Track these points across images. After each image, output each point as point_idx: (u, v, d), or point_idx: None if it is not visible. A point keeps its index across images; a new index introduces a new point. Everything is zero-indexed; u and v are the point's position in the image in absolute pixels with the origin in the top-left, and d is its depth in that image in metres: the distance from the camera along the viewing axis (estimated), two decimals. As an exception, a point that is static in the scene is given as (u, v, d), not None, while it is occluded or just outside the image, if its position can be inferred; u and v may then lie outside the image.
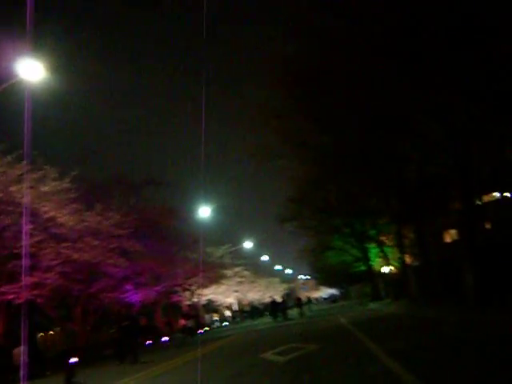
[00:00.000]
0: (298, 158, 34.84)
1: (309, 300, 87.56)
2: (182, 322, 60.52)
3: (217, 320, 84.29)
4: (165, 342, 54.49)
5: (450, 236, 47.20)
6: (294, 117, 32.63)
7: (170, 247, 56.73)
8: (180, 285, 61.92)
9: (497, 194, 39.08)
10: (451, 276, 32.53)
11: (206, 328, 69.59)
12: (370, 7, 23.17)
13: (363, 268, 66.53)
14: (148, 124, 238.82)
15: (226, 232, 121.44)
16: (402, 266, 43.69)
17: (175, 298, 66.21)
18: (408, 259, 47.09)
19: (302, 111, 31.35)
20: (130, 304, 52.15)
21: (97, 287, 43.10)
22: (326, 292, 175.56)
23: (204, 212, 63.76)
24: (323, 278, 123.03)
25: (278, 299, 64.86)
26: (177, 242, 58.70)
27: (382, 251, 51.73)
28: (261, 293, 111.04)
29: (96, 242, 36.79)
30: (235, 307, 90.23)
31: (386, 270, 61.01)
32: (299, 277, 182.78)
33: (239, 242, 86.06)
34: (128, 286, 49.23)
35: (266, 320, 67.79)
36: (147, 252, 50.91)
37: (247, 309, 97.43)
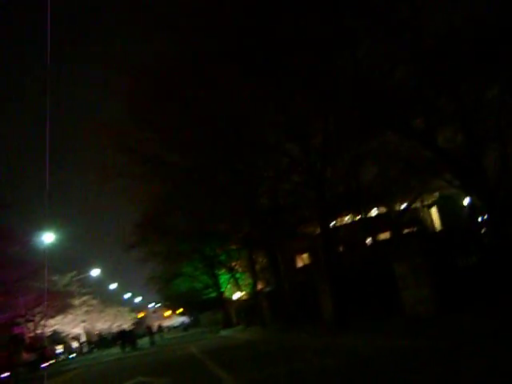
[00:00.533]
0: (141, 176, 32.83)
1: (160, 329, 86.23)
2: (25, 355, 56.92)
3: (61, 352, 79.70)
4: (4, 378, 50.41)
5: (302, 260, 46.96)
6: (135, 131, 30.93)
7: (7, 275, 52.93)
8: (23, 316, 57.87)
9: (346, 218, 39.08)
10: (306, 300, 31.93)
11: (52, 361, 65.40)
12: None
13: (213, 295, 65.52)
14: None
15: (71, 259, 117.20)
16: (254, 292, 42.69)
17: (18, 330, 61.96)
18: (260, 285, 46.36)
19: (143, 123, 29.92)
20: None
21: None
22: (176, 320, 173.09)
23: (47, 238, 60.51)
24: (173, 305, 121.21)
25: (128, 328, 62.37)
26: (16, 270, 54.91)
27: (233, 277, 50.64)
28: (110, 322, 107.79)
29: None
30: (83, 338, 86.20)
31: (236, 296, 60.13)
32: (150, 305, 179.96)
33: (86, 269, 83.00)
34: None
35: (115, 351, 65.03)
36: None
37: (95, 339, 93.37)
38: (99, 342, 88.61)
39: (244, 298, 56.47)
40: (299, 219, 41.95)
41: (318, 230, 41.61)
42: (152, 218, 47.22)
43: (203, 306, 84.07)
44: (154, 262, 59.78)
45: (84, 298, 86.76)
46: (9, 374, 50.66)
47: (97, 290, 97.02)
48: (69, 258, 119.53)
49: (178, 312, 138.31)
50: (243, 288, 53.30)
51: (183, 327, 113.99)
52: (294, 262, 45.56)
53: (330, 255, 24.70)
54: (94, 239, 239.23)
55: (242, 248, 48.12)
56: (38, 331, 69.15)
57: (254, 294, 42.98)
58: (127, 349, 56.56)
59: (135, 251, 54.05)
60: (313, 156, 25.14)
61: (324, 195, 24.90)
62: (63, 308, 75.02)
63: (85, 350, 79.97)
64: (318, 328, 25.95)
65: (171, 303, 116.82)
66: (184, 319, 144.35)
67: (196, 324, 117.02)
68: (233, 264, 50.95)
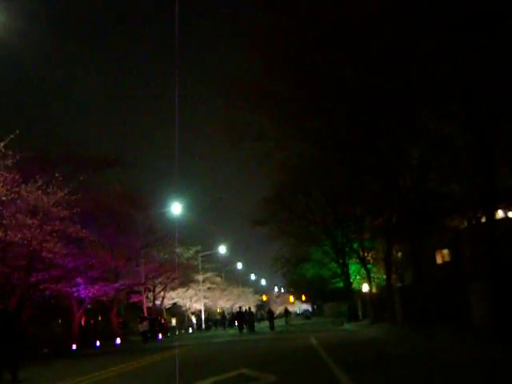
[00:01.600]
0: (276, 140, 28.81)
1: (287, 312, 79.76)
2: (139, 324, 55.25)
3: (174, 326, 77.87)
4: (117, 345, 48.44)
5: (442, 256, 42.25)
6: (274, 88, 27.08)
7: (131, 241, 50.97)
8: (142, 284, 55.84)
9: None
10: (447, 299, 27.53)
11: (167, 333, 63.44)
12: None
13: (340, 285, 61.36)
14: (112, 97, 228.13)
15: (197, 232, 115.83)
16: (388, 286, 38.04)
17: (135, 298, 60.16)
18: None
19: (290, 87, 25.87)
20: (81, 299, 46.38)
21: (38, 277, 37.35)
22: (299, 307, 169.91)
23: (175, 208, 58.57)
24: (297, 292, 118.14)
25: (247, 309, 59.16)
26: (139, 236, 52.90)
27: (365, 267, 46.03)
28: (232, 301, 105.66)
29: (30, 221, 30.80)
30: (203, 314, 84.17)
31: (365, 288, 55.67)
32: (274, 289, 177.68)
33: (211, 244, 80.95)
34: (79, 280, 43.43)
35: (232, 331, 62.14)
36: (103, 243, 45.23)
37: (217, 317, 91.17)
38: (219, 320, 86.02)
39: (372, 291, 52.22)
40: (445, 210, 37.33)
41: (465, 224, 36.74)
42: (284, 194, 43.85)
43: (328, 295, 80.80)
44: (281, 242, 56.47)
45: (208, 275, 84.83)
46: (120, 341, 48.80)
47: (221, 267, 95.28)
48: (194, 232, 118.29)
49: (301, 299, 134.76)
50: (374, 281, 48.75)
51: (305, 315, 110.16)
52: (433, 257, 40.96)
53: (493, 250, 19.66)
54: (221, 214, 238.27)
55: (376, 237, 43.95)
56: (158, 302, 67.33)
57: (387, 288, 38.30)
58: (244, 330, 54.04)
59: (262, 228, 50.87)
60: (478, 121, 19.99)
61: (495, 171, 19.87)
62: (185, 282, 73.13)
63: (203, 326, 77.41)
64: (460, 333, 21.42)
65: (295, 289, 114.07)
66: (307, 307, 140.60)
67: (319, 313, 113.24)
68: (365, 254, 46.19)
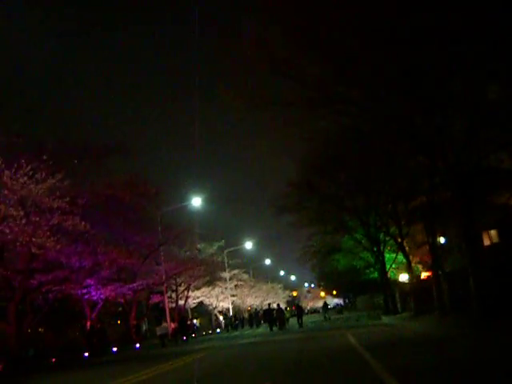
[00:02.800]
0: (300, 110, 24.40)
1: (326, 307, 74.25)
2: (172, 325, 51.32)
3: (196, 326, 73.08)
4: (137, 349, 44.35)
5: (490, 238, 37.87)
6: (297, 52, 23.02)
7: (147, 237, 46.72)
8: (163, 283, 51.49)
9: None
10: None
11: (192, 334, 59.20)
12: None
13: (375, 275, 57.04)
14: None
15: (219, 227, 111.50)
16: (434, 272, 33.36)
17: (156, 299, 55.66)
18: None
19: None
20: (93, 302, 42.23)
21: (40, 279, 33.27)
22: (330, 301, 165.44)
23: (195, 202, 54.66)
24: (328, 286, 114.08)
25: (275, 306, 55.15)
26: (156, 232, 48.61)
27: (405, 254, 41.20)
28: (261, 298, 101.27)
29: (15, 212, 26.49)
30: (231, 313, 79.89)
31: (403, 278, 50.96)
32: (304, 284, 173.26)
33: (236, 239, 76.91)
34: (90, 281, 39.27)
35: (262, 330, 57.93)
36: (114, 239, 41.04)
37: (242, 315, 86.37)
38: (247, 318, 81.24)
39: (412, 280, 47.84)
40: (492, 185, 32.97)
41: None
42: (311, 177, 39.54)
43: (361, 287, 77.28)
44: (310, 231, 52.04)
45: (235, 272, 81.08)
46: (139, 345, 44.93)
47: (249, 263, 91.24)
48: (217, 226, 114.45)
49: (332, 293, 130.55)
50: (415, 269, 44.20)
51: (337, 310, 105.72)
52: (479, 239, 36.42)
53: None
54: (245, 205, 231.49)
55: (413, 222, 40.04)
56: (181, 302, 63.05)
57: (433, 275, 33.59)
58: (275, 329, 50.47)
59: (289, 215, 46.54)
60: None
61: None
62: (211, 280, 69.03)
63: (229, 326, 72.88)
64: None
65: (326, 283, 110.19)
66: (338, 301, 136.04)
67: (351, 307, 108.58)
68: (403, 240, 41.24)
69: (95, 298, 40.65)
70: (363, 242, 49.30)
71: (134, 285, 45.33)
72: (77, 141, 35.05)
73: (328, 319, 60.40)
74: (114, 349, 43.29)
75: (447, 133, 23.97)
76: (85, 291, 39.33)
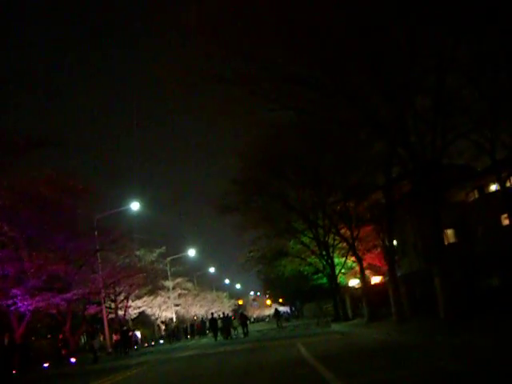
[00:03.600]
0: (249, 87, 21.38)
1: (278, 314, 68.44)
2: (114, 337, 49.64)
3: (137, 338, 68.78)
4: (72, 364, 40.60)
5: (446, 237, 35.68)
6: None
7: (81, 242, 42.97)
8: (99, 293, 47.68)
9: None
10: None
11: (134, 346, 55.48)
12: None
13: (323, 281, 54.68)
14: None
15: (160, 233, 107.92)
16: (391, 275, 30.67)
17: (92, 310, 51.55)
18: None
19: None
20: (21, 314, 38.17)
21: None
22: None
23: (134, 206, 51.45)
24: (274, 294, 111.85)
25: (219, 316, 52.40)
26: (90, 237, 44.97)
27: (357, 256, 38.60)
28: (206, 308, 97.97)
29: None
30: (174, 323, 76.29)
31: (354, 283, 48.50)
32: (250, 293, 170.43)
33: (177, 245, 73.79)
34: (16, 290, 35.42)
35: (205, 340, 54.79)
36: (43, 245, 37.26)
37: (186, 325, 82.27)
38: (190, 328, 77.38)
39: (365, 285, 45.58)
40: (447, 182, 30.78)
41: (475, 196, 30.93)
42: (256, 174, 36.71)
43: (308, 294, 75.19)
44: (255, 233, 49.05)
45: (178, 280, 78.25)
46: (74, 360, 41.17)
47: (192, 271, 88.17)
48: (157, 232, 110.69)
49: (278, 301, 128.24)
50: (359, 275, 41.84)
51: (284, 317, 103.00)
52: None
53: None
54: (186, 207, 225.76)
55: (363, 222, 38.21)
56: (121, 312, 59.30)
57: (390, 277, 30.89)
58: (219, 338, 49.68)
59: (233, 216, 43.60)
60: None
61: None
62: (153, 289, 66.25)
63: (172, 336, 69.17)
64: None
65: (272, 291, 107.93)
66: (285, 309, 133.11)
67: (298, 315, 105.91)
68: (353, 242, 38.56)
69: (22, 309, 36.66)
70: (311, 246, 46.58)
71: (68, 295, 41.38)
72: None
73: (281, 327, 56.93)
74: (46, 364, 39.48)
75: (410, 116, 21.40)
76: (10, 302, 35.45)
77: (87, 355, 47.53)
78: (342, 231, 39.57)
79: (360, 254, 39.72)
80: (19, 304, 35.86)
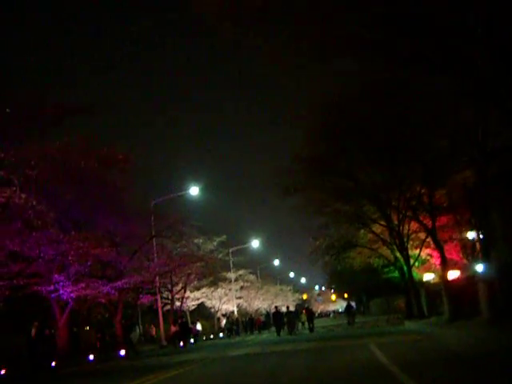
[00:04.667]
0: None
1: (349, 309, 58.58)
2: (173, 328, 46.16)
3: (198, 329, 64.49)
4: (122, 356, 37.16)
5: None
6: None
7: (133, 227, 39.50)
8: (153, 281, 44.12)
9: None
10: None
11: (192, 340, 51.60)
12: None
13: (394, 275, 50.62)
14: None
15: (220, 219, 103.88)
16: (486, 266, 26.02)
17: (145, 300, 47.75)
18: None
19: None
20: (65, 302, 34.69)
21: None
22: (342, 305, 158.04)
23: (192, 190, 47.91)
24: (340, 288, 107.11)
25: (284, 309, 48.68)
26: (146, 222, 41.51)
27: (437, 244, 33.81)
28: (269, 301, 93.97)
29: None
30: (236, 316, 72.53)
31: (429, 277, 43.74)
32: (315, 287, 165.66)
33: (238, 233, 70.18)
34: (58, 276, 31.99)
35: (265, 336, 50.93)
36: (87, 227, 33.71)
37: (243, 319, 77.88)
38: (249, 322, 72.93)
39: (435, 280, 42.55)
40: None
41: None
42: (322, 146, 32.54)
43: (376, 289, 71.73)
44: (322, 221, 44.58)
45: (240, 272, 74.80)
46: (124, 352, 37.72)
47: (255, 262, 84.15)
48: (218, 219, 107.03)
49: (343, 297, 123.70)
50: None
51: (346, 313, 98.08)
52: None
53: None
54: (248, 193, 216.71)
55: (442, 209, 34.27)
56: (178, 303, 55.73)
57: (483, 271, 26.20)
58: (282, 334, 46.27)
59: (296, 199, 39.36)
60: None
61: None
62: (215, 280, 63.98)
63: (233, 330, 65.23)
64: None
65: (337, 285, 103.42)
66: (351, 304, 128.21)
67: (365, 311, 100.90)
68: (433, 228, 33.78)
69: (64, 296, 33.17)
70: (383, 235, 42.03)
71: (119, 283, 37.89)
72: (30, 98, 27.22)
73: (352, 324, 50.98)
74: (91, 357, 36.05)
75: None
76: (51, 288, 32.03)
77: (140, 347, 44.34)
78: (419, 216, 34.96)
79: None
80: (61, 291, 32.48)
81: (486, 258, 26.24)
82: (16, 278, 28.03)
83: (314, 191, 38.83)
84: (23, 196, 23.02)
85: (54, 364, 31.57)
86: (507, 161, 25.39)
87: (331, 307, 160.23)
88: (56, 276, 31.98)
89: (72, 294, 32.88)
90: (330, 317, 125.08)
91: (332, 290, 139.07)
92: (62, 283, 32.12)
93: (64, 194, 30.68)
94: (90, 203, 33.39)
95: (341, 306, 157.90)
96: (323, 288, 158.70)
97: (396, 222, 39.12)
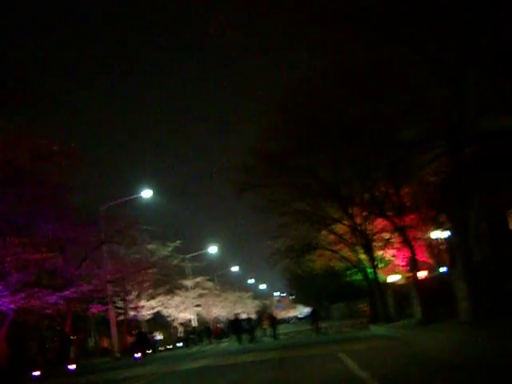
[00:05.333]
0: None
1: (315, 315, 50.48)
2: (129, 339, 46.41)
3: (156, 340, 61.19)
4: (71, 371, 34.24)
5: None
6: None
7: (80, 231, 36.51)
8: (98, 291, 41.02)
9: None
10: None
11: (149, 350, 48.55)
12: None
13: (357, 278, 48.13)
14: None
15: (174, 224, 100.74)
16: (461, 265, 23.71)
17: (95, 309, 44.12)
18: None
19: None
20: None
21: None
22: (301, 311, 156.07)
23: (145, 193, 45.37)
24: (301, 293, 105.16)
25: (243, 317, 46.51)
26: (92, 227, 38.54)
27: (408, 242, 31.54)
28: (228, 309, 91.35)
29: None
30: (194, 324, 69.69)
31: (394, 278, 41.82)
32: (275, 293, 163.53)
33: (194, 238, 67.81)
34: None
35: (225, 345, 48.45)
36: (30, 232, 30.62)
37: (203, 327, 74.79)
38: (206, 331, 69.93)
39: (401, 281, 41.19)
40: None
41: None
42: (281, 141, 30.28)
43: (338, 293, 69.55)
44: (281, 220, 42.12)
45: (198, 279, 72.37)
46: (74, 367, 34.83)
47: (212, 268, 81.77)
48: (171, 223, 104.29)
49: (304, 302, 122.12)
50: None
51: (311, 318, 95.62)
52: (503, 221, 29.60)
53: None
54: (202, 195, 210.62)
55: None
56: (133, 313, 52.66)
57: (458, 269, 23.95)
58: (242, 341, 44.18)
59: (252, 196, 36.94)
60: None
61: None
62: (171, 288, 61.99)
63: (193, 339, 62.46)
64: None
65: (297, 291, 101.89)
66: (309, 310, 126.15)
67: (326, 316, 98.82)
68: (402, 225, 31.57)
69: (3, 308, 29.93)
70: (345, 236, 39.85)
71: (67, 292, 34.82)
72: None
73: (319, 332, 43.88)
74: (36, 373, 32.99)
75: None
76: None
77: (90, 360, 41.42)
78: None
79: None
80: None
81: (460, 256, 24.00)
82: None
83: (272, 189, 36.46)
84: None
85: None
86: (483, 150, 23.47)
87: (291, 313, 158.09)
88: (-6, 286, 28.89)
89: (11, 305, 29.69)
90: (290, 323, 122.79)
91: (291, 296, 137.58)
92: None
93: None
94: (28, 205, 30.05)
95: (300, 311, 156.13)
96: (283, 294, 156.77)
97: (359, 222, 37.01)
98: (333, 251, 43.81)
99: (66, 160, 28.97)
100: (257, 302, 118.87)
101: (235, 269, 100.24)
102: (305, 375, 15.31)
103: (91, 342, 55.24)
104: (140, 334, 45.33)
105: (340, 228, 40.15)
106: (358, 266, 42.92)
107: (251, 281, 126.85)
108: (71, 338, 36.31)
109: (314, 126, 27.91)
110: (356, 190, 35.14)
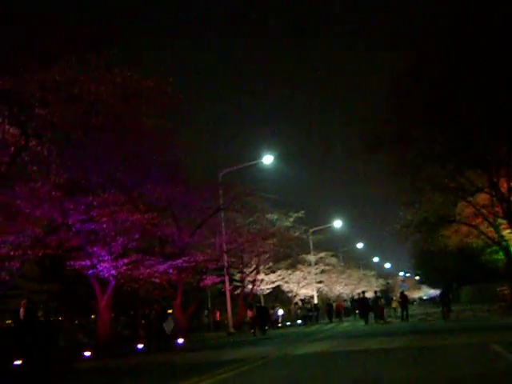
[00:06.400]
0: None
1: (445, 294, 42.10)
2: (249, 313, 41.34)
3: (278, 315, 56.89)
4: (179, 345, 30.88)
5: None
6: None
7: (193, 197, 33.42)
8: (217, 261, 37.79)
9: None
10: None
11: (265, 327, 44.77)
12: None
13: (498, 257, 42.92)
14: None
15: (297, 193, 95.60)
16: None
17: (208, 281, 40.32)
18: None
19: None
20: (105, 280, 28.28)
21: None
22: (426, 292, 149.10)
23: (266, 159, 41.64)
24: (428, 274, 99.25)
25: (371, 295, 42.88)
26: (206, 192, 35.23)
27: None
28: (352, 286, 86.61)
29: None
30: (315, 301, 65.23)
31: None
32: (400, 273, 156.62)
33: (317, 209, 63.59)
34: (98, 250, 25.96)
35: (346, 325, 45.02)
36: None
37: (322, 305, 69.78)
38: (327, 309, 64.99)
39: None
40: None
41: None
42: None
43: (470, 275, 65.47)
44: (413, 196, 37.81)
45: (321, 255, 67.87)
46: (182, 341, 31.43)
47: (335, 243, 76.86)
48: (294, 192, 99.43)
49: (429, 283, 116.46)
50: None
51: (440, 300, 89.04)
52: None
53: None
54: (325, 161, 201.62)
55: None
56: (250, 286, 49.14)
57: None
58: (371, 321, 41.24)
59: (385, 155, 32.45)
60: None
61: None
62: (293, 263, 58.37)
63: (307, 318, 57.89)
64: None
65: (423, 271, 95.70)
66: (435, 292, 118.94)
67: (454, 299, 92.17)
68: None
69: (106, 274, 26.88)
70: (487, 209, 34.62)
71: (179, 261, 31.87)
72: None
73: (406, 319, 39.40)
74: (139, 346, 29.82)
75: None
76: (87, 263, 26.01)
77: (200, 334, 38.42)
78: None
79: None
80: (99, 267, 26.29)
81: None
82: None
83: (408, 148, 31.60)
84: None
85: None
86: None
87: (415, 294, 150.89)
88: (95, 249, 25.97)
89: (113, 271, 26.57)
90: (415, 304, 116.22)
91: (416, 277, 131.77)
92: (100, 258, 26.04)
93: (93, 146, 23.98)
94: (128, 159, 26.49)
95: (425, 293, 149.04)
96: (408, 274, 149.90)
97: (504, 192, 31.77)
98: (471, 225, 38.49)
99: (161, 97, 24.26)
100: (381, 281, 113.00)
101: (360, 245, 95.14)
102: (451, 372, 10.75)
103: (206, 315, 52.49)
104: (261, 308, 41.69)
105: (480, 199, 34.88)
106: (499, 243, 37.41)
107: (376, 259, 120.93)
108: (167, 311, 32.88)
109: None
110: (503, 155, 29.96)
